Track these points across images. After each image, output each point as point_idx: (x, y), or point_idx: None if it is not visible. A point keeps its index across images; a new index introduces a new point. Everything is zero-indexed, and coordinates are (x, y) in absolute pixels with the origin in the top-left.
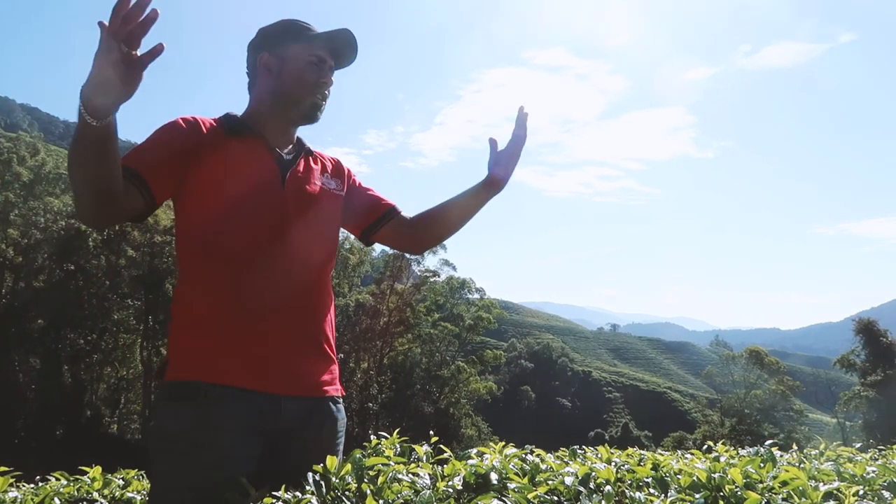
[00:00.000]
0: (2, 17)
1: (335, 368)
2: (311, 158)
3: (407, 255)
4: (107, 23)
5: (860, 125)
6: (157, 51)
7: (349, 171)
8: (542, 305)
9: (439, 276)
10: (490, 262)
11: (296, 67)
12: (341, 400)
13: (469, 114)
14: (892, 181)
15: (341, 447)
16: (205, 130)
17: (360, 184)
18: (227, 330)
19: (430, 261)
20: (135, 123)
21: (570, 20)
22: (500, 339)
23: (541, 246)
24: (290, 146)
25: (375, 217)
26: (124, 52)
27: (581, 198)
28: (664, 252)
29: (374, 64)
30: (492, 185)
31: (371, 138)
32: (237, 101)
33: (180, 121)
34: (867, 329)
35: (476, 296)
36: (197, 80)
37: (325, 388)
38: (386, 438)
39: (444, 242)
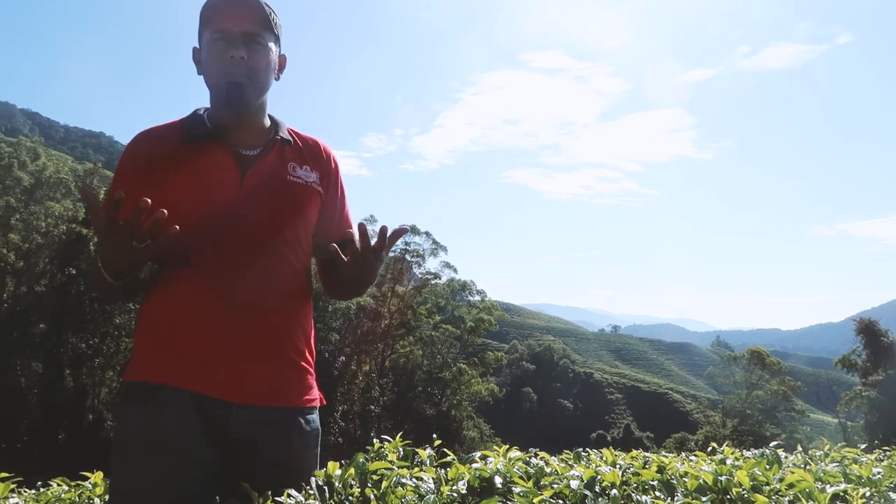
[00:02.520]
0: (2, 21)
1: (307, 377)
2: (286, 149)
3: (407, 258)
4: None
5: (859, 126)
6: (162, 241)
7: (335, 164)
8: (543, 307)
9: (440, 279)
10: (491, 265)
11: (208, 49)
12: (315, 410)
13: (468, 116)
14: (892, 181)
15: (315, 460)
16: (157, 150)
17: (335, 189)
18: (178, 332)
19: (432, 263)
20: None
21: (567, 22)
22: (501, 341)
23: (541, 248)
24: (259, 138)
25: (328, 241)
26: (125, 243)
27: (581, 199)
28: (664, 253)
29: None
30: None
31: (371, 141)
32: None
33: (130, 160)
34: (868, 329)
35: (477, 298)
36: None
37: (291, 398)
38: (389, 442)
39: (445, 245)
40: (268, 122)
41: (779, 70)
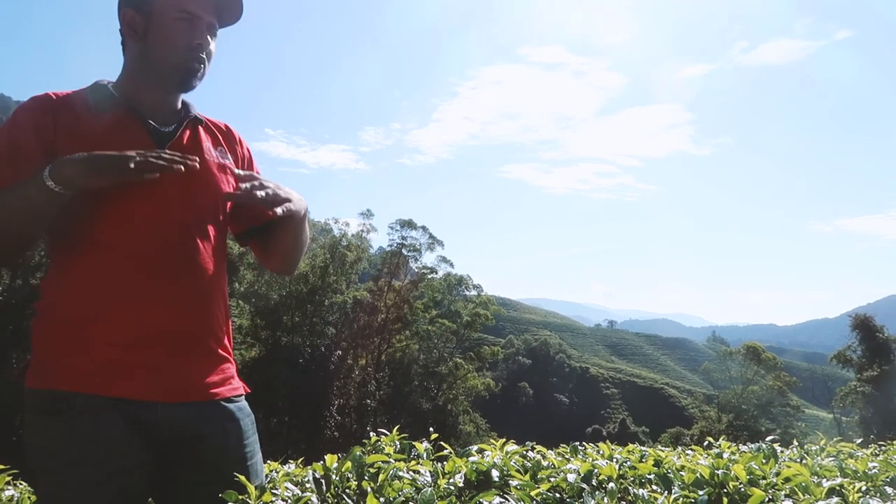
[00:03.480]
0: None
1: (227, 366)
2: (199, 128)
3: (404, 252)
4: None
5: (857, 122)
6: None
7: (246, 147)
8: (540, 302)
9: (437, 273)
10: (487, 259)
11: (164, 27)
12: (241, 398)
13: (466, 111)
14: (889, 178)
15: (254, 446)
16: (61, 114)
17: (248, 163)
18: (86, 329)
19: (428, 258)
20: None
21: (566, 17)
22: (497, 336)
23: (538, 243)
24: (172, 115)
25: (259, 222)
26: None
27: (578, 194)
28: (661, 249)
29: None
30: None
31: (368, 135)
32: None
33: (30, 116)
34: (863, 325)
35: (473, 292)
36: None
37: (214, 389)
38: (385, 435)
39: (441, 239)
40: (180, 103)
41: (777, 66)
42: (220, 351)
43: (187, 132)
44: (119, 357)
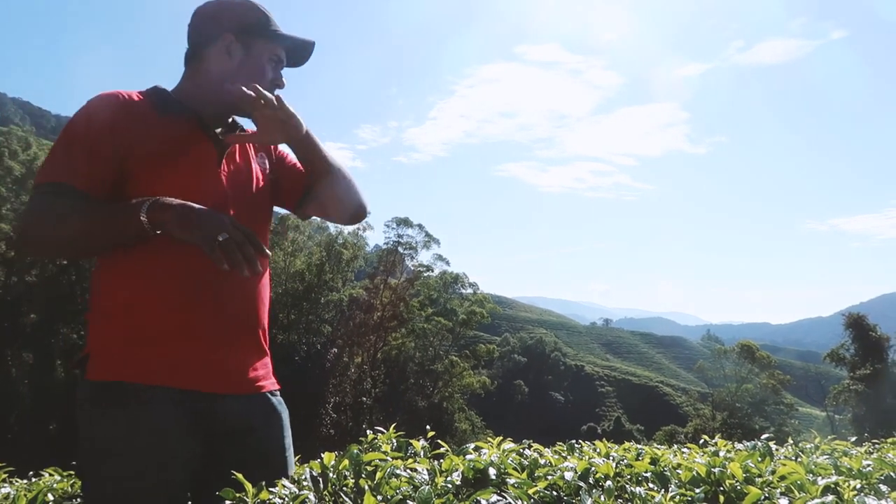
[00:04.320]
0: None
1: (268, 361)
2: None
3: (400, 250)
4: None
5: (852, 121)
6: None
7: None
8: (535, 300)
9: (433, 271)
10: (484, 258)
11: (259, 62)
12: (278, 392)
13: (462, 108)
14: (883, 177)
15: (290, 438)
16: (133, 115)
17: (281, 153)
18: (156, 323)
19: (424, 256)
20: None
21: (563, 16)
22: (493, 334)
23: (534, 241)
24: (227, 127)
25: (301, 190)
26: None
27: (574, 193)
28: (657, 247)
29: (368, 58)
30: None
31: (365, 133)
32: None
33: (106, 116)
34: (857, 324)
35: (469, 290)
36: None
37: (261, 382)
38: (382, 433)
39: (437, 237)
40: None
41: (773, 65)
42: (265, 346)
43: (238, 146)
44: (185, 351)
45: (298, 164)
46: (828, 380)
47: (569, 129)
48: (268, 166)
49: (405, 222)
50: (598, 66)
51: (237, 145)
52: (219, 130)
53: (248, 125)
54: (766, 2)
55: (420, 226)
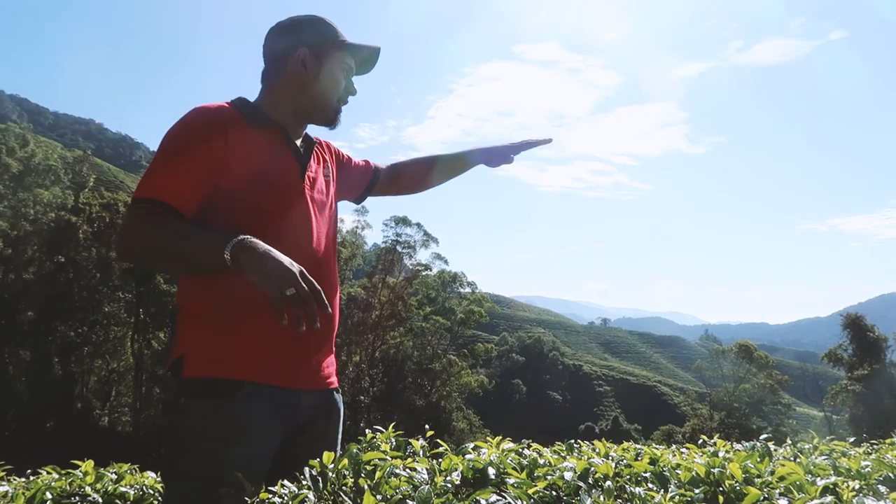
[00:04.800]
0: None
1: (334, 359)
2: (317, 150)
3: (399, 249)
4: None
5: (850, 121)
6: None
7: (335, 150)
8: (534, 299)
9: (431, 270)
10: (482, 257)
11: (333, 73)
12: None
13: (461, 107)
14: (882, 177)
15: (340, 436)
16: (226, 128)
17: (345, 157)
18: (253, 326)
19: (422, 255)
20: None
21: (562, 15)
22: (491, 333)
23: (533, 240)
24: (303, 140)
25: (365, 185)
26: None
27: (573, 193)
28: (655, 247)
29: None
30: (473, 164)
31: (363, 132)
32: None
33: (203, 132)
34: (854, 324)
35: (468, 290)
36: (206, 71)
37: (331, 379)
38: (381, 432)
39: (436, 236)
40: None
41: (772, 65)
42: (333, 346)
43: (314, 154)
44: (280, 349)
45: (360, 163)
46: (825, 380)
47: (568, 129)
48: (334, 176)
49: (403, 221)
50: (597, 65)
51: (315, 159)
52: (298, 142)
53: (320, 134)
54: (765, 2)
55: (418, 225)
